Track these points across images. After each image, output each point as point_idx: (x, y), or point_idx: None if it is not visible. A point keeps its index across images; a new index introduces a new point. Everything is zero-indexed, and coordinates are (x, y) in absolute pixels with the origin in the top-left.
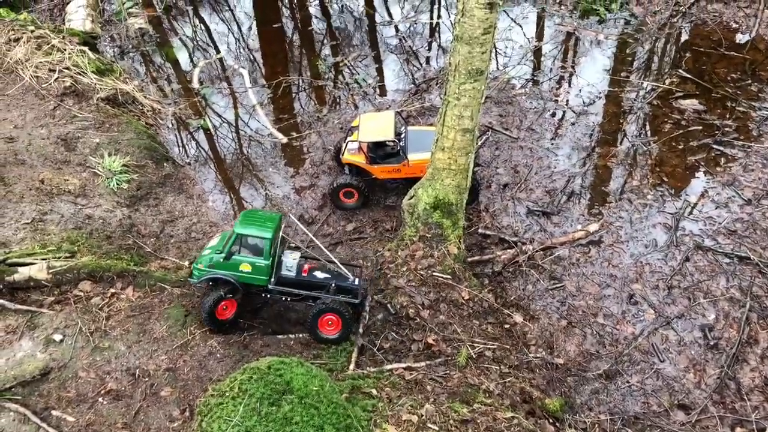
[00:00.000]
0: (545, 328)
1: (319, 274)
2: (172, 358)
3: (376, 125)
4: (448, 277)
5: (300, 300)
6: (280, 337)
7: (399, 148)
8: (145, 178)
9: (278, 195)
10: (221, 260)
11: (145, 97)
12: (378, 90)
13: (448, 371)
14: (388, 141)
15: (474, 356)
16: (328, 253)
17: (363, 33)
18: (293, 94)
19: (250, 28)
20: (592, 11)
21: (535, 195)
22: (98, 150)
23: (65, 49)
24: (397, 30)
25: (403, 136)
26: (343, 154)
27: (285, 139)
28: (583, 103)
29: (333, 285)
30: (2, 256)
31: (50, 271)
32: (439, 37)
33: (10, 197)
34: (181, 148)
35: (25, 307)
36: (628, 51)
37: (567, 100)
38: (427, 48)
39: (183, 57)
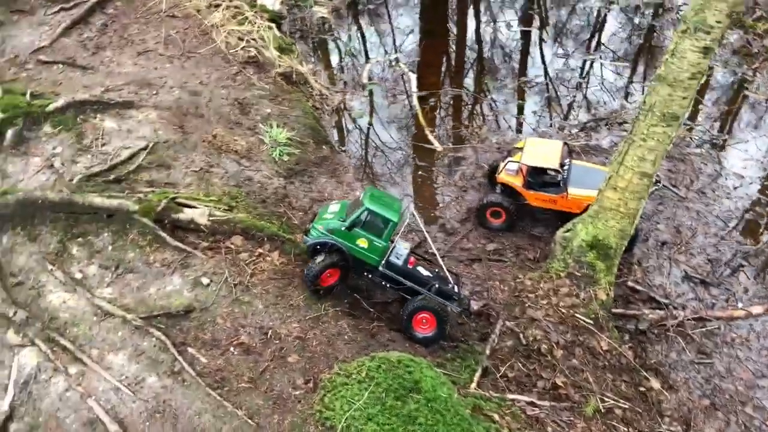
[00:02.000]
0: (684, 402)
1: (423, 271)
2: (303, 328)
3: (542, 151)
4: (590, 322)
5: (398, 289)
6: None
7: (560, 179)
8: (304, 155)
9: (422, 199)
10: (342, 228)
11: (316, 81)
12: (542, 119)
13: (572, 418)
14: (552, 169)
15: (602, 410)
16: (436, 253)
17: (534, 60)
18: (454, 107)
19: (410, 33)
20: None
21: (696, 261)
22: (268, 119)
23: (255, 23)
24: (567, 61)
25: (566, 168)
26: (499, 173)
27: (440, 148)
28: None
29: (435, 285)
30: (173, 194)
31: (210, 218)
32: (621, 77)
33: (185, 144)
34: (339, 136)
35: (182, 246)
36: None
37: (747, 172)
38: (600, 87)
39: (357, 51)
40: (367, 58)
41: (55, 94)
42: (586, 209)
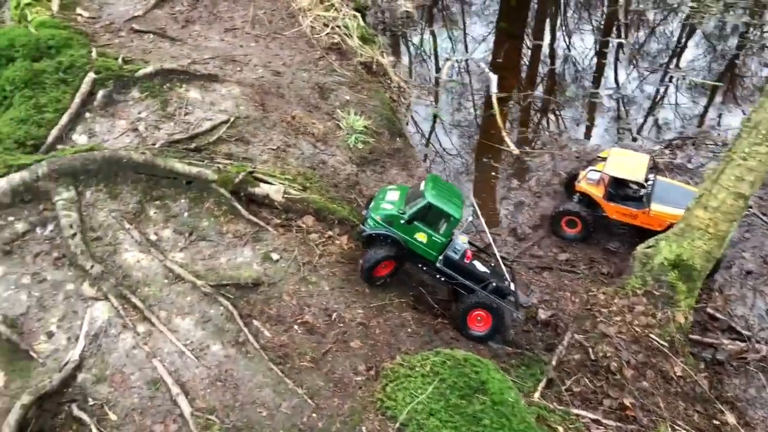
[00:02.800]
0: None
1: (479, 266)
2: (367, 315)
3: (627, 163)
4: (665, 344)
5: (452, 284)
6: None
7: (643, 194)
8: (378, 144)
9: (494, 200)
10: (402, 221)
11: (395, 73)
12: (625, 132)
13: None
14: (636, 182)
15: None
16: (496, 250)
17: (617, 72)
18: (531, 111)
19: (488, 35)
20: None
21: None
22: (346, 106)
23: (341, 10)
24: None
25: (650, 183)
26: (578, 182)
27: (516, 151)
28: None
29: (492, 284)
30: (250, 168)
31: (285, 195)
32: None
33: (264, 122)
34: (413, 129)
35: (255, 219)
36: None
37: None
38: (691, 103)
39: (437, 48)
40: (448, 56)
41: (145, 61)
42: (667, 228)
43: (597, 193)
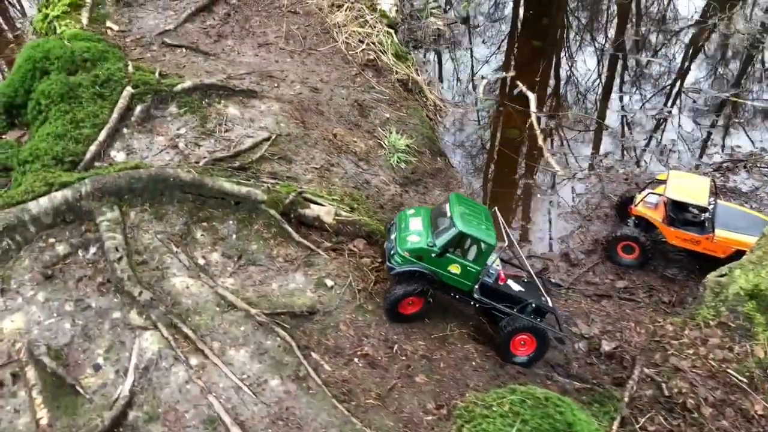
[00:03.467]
0: None
1: (514, 286)
2: (429, 347)
3: (688, 186)
4: (744, 380)
5: (489, 309)
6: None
7: (704, 219)
8: (420, 164)
9: (541, 225)
10: (432, 255)
11: (430, 91)
12: (672, 153)
13: None
14: (699, 207)
15: None
16: (529, 267)
17: (661, 92)
18: (575, 131)
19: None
20: None
21: None
22: (386, 124)
23: (375, 26)
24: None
25: (712, 207)
26: (635, 205)
27: (562, 172)
28: None
29: (532, 304)
30: (299, 189)
31: (336, 218)
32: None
33: (306, 140)
34: (453, 149)
35: (306, 243)
36: None
37: None
38: (738, 124)
39: (470, 65)
40: (482, 76)
41: (179, 76)
42: (731, 255)
43: (656, 217)
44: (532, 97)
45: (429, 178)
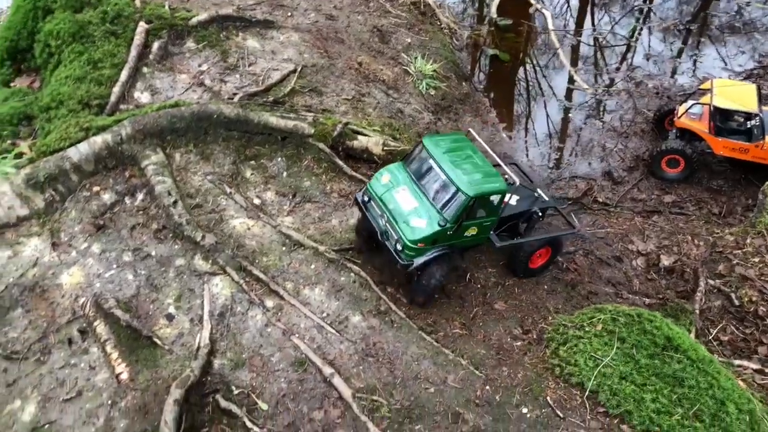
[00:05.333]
0: None
1: (512, 201)
2: (499, 273)
3: (735, 93)
4: None
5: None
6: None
7: (752, 126)
8: (449, 90)
9: (579, 145)
10: (449, 232)
11: (443, 14)
12: (701, 63)
13: None
14: (750, 113)
15: None
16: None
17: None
18: (601, 47)
19: None
20: None
21: None
22: (409, 50)
23: None
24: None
25: (760, 114)
26: (678, 117)
27: (590, 90)
28: None
29: (537, 212)
30: (345, 120)
31: (384, 148)
32: None
33: (332, 70)
34: (474, 73)
35: (358, 176)
36: None
37: None
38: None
39: None
40: None
41: (187, 10)
42: None
43: (701, 128)
44: (548, 15)
45: (458, 104)
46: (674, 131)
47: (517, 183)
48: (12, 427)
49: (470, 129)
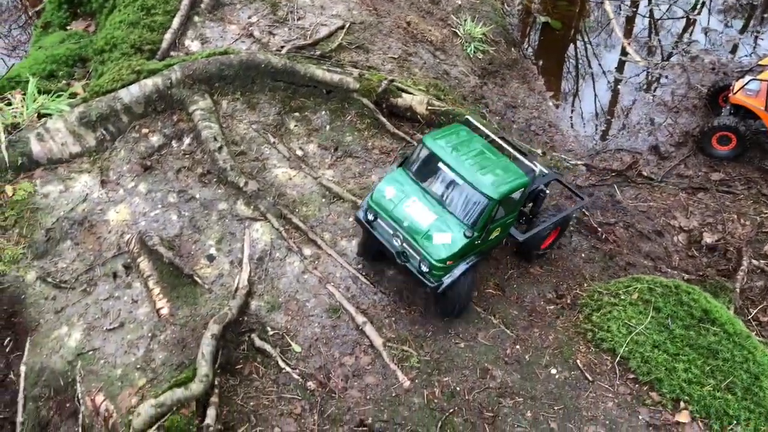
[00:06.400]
0: None
1: None
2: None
3: None
4: None
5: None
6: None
7: None
8: (497, 55)
9: (628, 117)
10: (477, 242)
11: None
12: (763, 40)
13: None
14: None
15: None
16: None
17: None
18: (655, 19)
19: None
20: None
21: None
22: (459, 11)
23: None
24: None
25: None
26: (733, 93)
27: (643, 62)
28: None
29: (543, 191)
30: (389, 77)
31: (429, 107)
32: None
33: (380, 28)
34: (524, 39)
35: (401, 134)
36: None
37: None
38: None
39: None
40: None
41: None
42: None
43: (757, 105)
44: None
45: (506, 69)
46: (728, 107)
47: (537, 171)
48: (59, 351)
49: (468, 116)
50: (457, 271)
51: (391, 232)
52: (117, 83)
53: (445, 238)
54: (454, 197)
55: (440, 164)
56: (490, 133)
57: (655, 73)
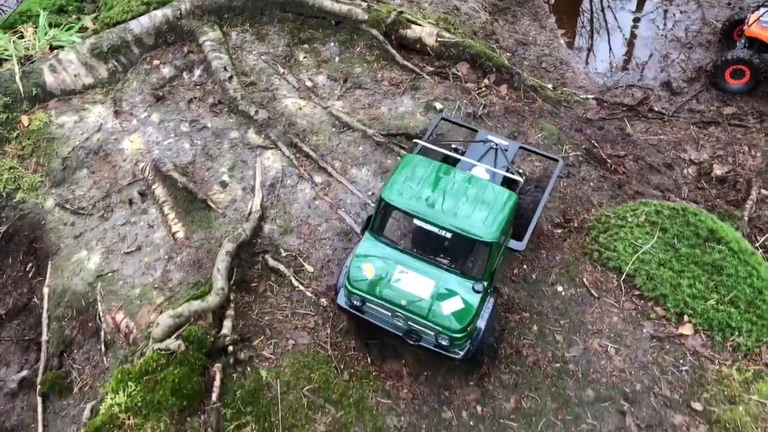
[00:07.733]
0: None
1: (484, 175)
2: (545, 169)
3: None
4: None
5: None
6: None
7: None
8: None
9: (639, 53)
10: (489, 289)
11: None
12: None
13: None
14: None
15: None
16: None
17: None
18: None
19: None
20: None
21: None
22: None
23: None
24: None
25: None
26: (748, 26)
27: None
28: None
29: (520, 172)
30: (398, 9)
31: (439, 39)
32: None
33: None
34: None
35: (410, 66)
36: None
37: None
38: None
39: None
40: None
41: None
42: None
43: None
44: None
45: (517, 6)
46: (743, 41)
47: (521, 181)
48: (79, 273)
49: (443, 116)
50: (482, 324)
51: (390, 314)
52: (127, 14)
53: (456, 304)
54: (445, 252)
55: (416, 221)
56: (467, 125)
57: (669, 8)
